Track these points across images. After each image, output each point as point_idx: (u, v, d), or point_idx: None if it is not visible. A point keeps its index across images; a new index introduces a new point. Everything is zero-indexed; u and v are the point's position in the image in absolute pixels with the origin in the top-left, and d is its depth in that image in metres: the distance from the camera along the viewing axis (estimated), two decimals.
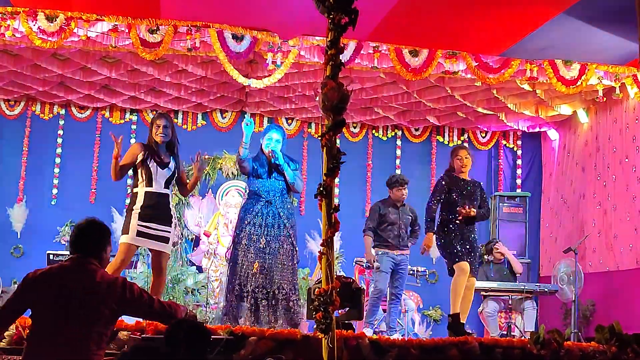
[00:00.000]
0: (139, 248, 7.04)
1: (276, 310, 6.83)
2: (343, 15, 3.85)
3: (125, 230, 6.27)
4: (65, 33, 7.67)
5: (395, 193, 8.67)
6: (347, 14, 3.91)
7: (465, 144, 11.43)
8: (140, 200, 6.28)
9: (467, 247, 7.38)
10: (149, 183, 6.31)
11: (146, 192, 6.30)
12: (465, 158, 7.59)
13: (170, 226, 6.40)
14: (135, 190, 6.39)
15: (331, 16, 3.82)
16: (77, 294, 3.89)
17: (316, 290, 4.60)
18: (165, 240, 6.33)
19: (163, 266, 6.38)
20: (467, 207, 7.35)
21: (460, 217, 7.34)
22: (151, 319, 4.19)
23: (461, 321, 7.24)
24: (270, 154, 7.02)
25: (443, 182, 7.59)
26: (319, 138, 3.95)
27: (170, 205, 6.48)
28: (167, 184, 6.40)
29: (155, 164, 6.33)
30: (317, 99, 4.57)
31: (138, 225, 6.21)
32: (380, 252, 8.52)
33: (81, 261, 4.05)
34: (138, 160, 6.37)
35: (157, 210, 6.30)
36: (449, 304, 7.27)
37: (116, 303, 3.96)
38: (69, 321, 3.84)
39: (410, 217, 8.76)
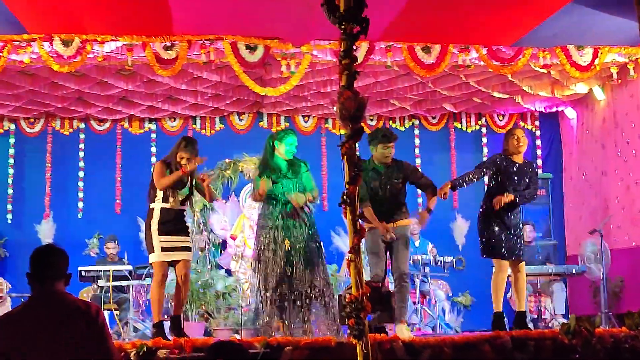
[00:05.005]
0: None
1: (310, 309, 6.83)
2: (354, 24, 3.89)
3: (151, 249, 6.55)
4: (82, 56, 7.76)
5: (380, 152, 7.10)
6: (358, 23, 3.94)
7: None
8: (157, 216, 6.53)
9: (511, 234, 7.05)
10: (166, 200, 6.54)
11: (162, 208, 6.54)
12: (522, 137, 7.21)
13: (189, 236, 6.74)
14: (151, 206, 6.60)
15: (343, 26, 3.85)
16: (50, 326, 3.47)
17: (347, 297, 4.69)
18: (188, 249, 6.66)
19: (187, 273, 6.67)
20: (505, 195, 6.97)
21: (496, 207, 6.97)
22: None
23: (522, 309, 7.12)
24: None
25: (497, 160, 7.20)
26: (339, 147, 3.96)
27: (185, 217, 6.77)
28: (183, 202, 6.68)
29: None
30: (335, 108, 4.63)
31: (160, 241, 6.48)
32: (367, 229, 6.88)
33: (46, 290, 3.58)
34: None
35: (174, 223, 6.57)
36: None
37: (86, 326, 3.51)
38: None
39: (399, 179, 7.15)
